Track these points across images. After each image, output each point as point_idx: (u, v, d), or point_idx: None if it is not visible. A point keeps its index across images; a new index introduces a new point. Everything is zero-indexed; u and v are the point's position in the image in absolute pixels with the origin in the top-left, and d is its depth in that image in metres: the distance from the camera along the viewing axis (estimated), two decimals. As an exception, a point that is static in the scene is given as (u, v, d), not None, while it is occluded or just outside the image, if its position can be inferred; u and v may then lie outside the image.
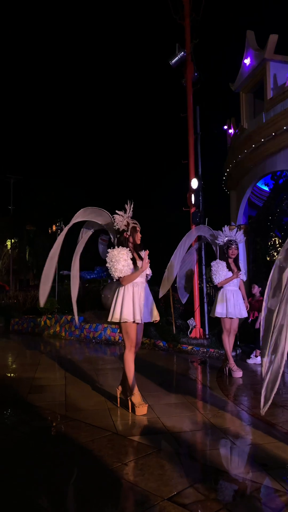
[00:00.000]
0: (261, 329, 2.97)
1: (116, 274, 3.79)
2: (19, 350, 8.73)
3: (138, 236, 3.98)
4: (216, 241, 5.65)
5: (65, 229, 4.66)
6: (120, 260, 3.76)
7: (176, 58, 8.47)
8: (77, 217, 4.34)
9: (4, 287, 20.84)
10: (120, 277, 3.80)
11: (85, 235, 4.61)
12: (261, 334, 2.94)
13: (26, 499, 2.31)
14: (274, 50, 9.59)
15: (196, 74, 8.56)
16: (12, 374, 6.10)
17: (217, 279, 5.38)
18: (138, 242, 3.99)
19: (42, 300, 4.64)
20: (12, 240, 26.35)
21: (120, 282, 3.87)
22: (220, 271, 5.37)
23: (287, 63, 9.32)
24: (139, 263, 3.89)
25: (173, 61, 8.50)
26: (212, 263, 5.49)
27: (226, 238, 5.53)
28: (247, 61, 10.51)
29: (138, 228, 3.98)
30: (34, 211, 24.92)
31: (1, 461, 2.84)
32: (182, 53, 8.43)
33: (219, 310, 5.36)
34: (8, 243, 26.79)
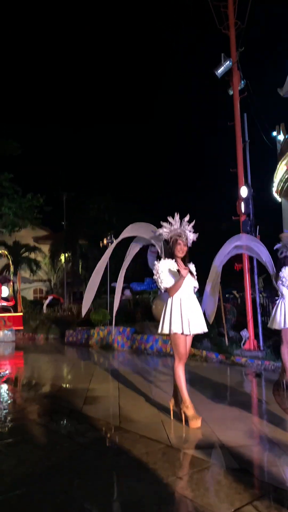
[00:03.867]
0: None
1: (162, 286, 3.84)
2: (73, 361, 8.95)
3: (178, 249, 3.94)
4: (280, 249, 5.46)
5: (113, 245, 4.83)
6: (164, 271, 3.79)
7: (222, 67, 8.45)
8: (125, 233, 4.48)
9: (59, 300, 21.53)
10: (166, 288, 3.82)
11: (132, 250, 4.74)
12: None
13: (82, 511, 2.35)
14: None
15: (242, 82, 8.49)
16: (67, 385, 6.25)
17: None
18: (179, 254, 3.94)
19: (84, 310, 4.85)
20: (66, 254, 27.21)
21: (168, 294, 3.89)
22: None
23: None
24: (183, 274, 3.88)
25: (219, 71, 8.48)
26: (285, 271, 5.24)
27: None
28: (295, 64, 10.26)
29: (179, 241, 3.95)
30: (86, 226, 25.63)
31: (58, 472, 2.90)
32: (228, 62, 8.39)
33: (282, 321, 5.17)
34: (62, 257, 27.69)
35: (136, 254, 4.85)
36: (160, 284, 3.85)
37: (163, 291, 3.93)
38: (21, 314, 13.93)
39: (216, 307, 6.83)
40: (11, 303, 13.95)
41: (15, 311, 13.78)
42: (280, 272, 5.30)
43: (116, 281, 5.39)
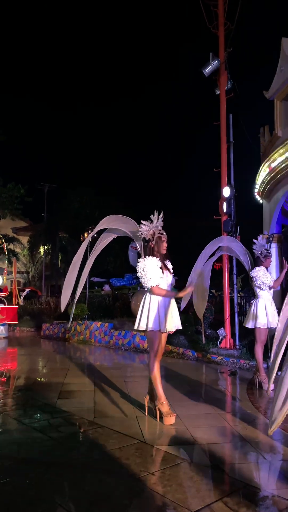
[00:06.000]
0: (274, 342, 2.72)
1: (148, 284, 3.80)
2: (49, 355, 8.87)
3: (164, 246, 3.97)
4: (254, 250, 5.55)
5: (88, 237, 4.79)
6: (151, 270, 3.78)
7: (210, 67, 8.44)
8: (102, 225, 4.43)
9: (36, 292, 21.28)
10: (152, 286, 3.80)
11: (104, 241, 4.69)
12: (274, 348, 2.69)
13: (54, 505, 2.33)
14: (310, 57, 9.42)
15: (229, 82, 8.52)
16: (42, 379, 6.19)
17: (268, 282, 5.26)
18: (164, 252, 3.98)
19: (63, 306, 4.83)
20: (45, 247, 26.89)
21: (149, 291, 3.88)
22: (268, 274, 5.30)
23: None
24: (165, 273, 3.89)
25: (207, 69, 8.47)
26: (256, 271, 5.34)
27: (263, 248, 5.45)
28: (282, 68, 10.37)
29: (163, 238, 3.97)
30: (67, 218, 25.35)
31: (30, 466, 2.88)
32: (216, 61, 8.39)
33: (260, 321, 5.24)
34: (41, 249, 27.35)
35: (117, 251, 4.88)
36: (146, 282, 3.80)
37: (146, 289, 3.90)
38: (17, 306, 12.70)
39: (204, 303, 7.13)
40: (4, 294, 12.63)
41: (9, 303, 12.52)
42: (251, 272, 5.39)
43: (95, 276, 5.39)
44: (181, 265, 4.31)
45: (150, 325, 3.80)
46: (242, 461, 3.02)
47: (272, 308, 5.31)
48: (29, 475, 2.68)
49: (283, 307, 2.64)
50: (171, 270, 4.02)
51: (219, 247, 6.62)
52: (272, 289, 5.35)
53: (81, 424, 3.76)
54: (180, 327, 4.00)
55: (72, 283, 4.75)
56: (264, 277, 5.26)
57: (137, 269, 3.86)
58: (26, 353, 8.97)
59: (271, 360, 2.68)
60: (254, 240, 5.54)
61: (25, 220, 30.21)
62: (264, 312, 5.25)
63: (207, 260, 6.63)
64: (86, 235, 14.88)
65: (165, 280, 3.90)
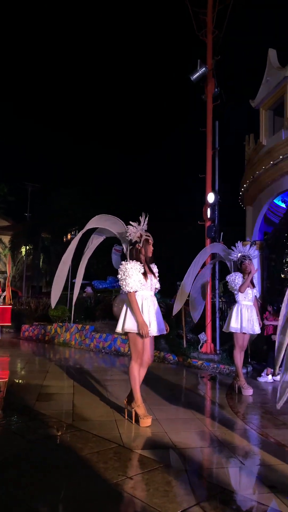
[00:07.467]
0: (276, 346, 2.94)
1: (126, 289, 3.79)
2: (28, 357, 8.75)
3: (150, 249, 3.97)
4: (230, 256, 5.63)
5: (79, 234, 4.78)
6: (132, 275, 3.76)
7: (197, 73, 8.54)
8: (92, 223, 4.42)
9: (16, 293, 21.00)
10: (129, 291, 3.79)
11: (95, 241, 4.70)
12: (275, 352, 2.91)
13: (30, 509, 2.29)
14: (295, 68, 9.60)
15: (216, 89, 8.62)
16: (20, 381, 6.10)
17: (237, 286, 5.33)
18: (150, 254, 3.98)
19: (54, 302, 4.91)
20: (27, 247, 26.61)
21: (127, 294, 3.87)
22: (237, 279, 5.36)
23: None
24: (149, 276, 3.89)
25: (194, 76, 8.57)
26: (229, 276, 5.46)
27: (239, 254, 5.51)
28: (268, 78, 10.54)
29: (150, 241, 3.97)
30: (50, 219, 25.15)
31: (7, 469, 2.82)
32: (204, 69, 8.49)
33: (234, 325, 5.29)
34: (23, 249, 27.06)
35: (101, 253, 4.93)
36: (125, 286, 3.79)
37: (125, 292, 3.89)
38: (10, 306, 12.00)
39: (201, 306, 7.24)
40: None
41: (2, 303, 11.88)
42: (226, 277, 5.51)
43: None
44: (163, 268, 4.31)
45: (134, 327, 3.79)
46: (220, 466, 3.03)
47: (249, 313, 5.33)
48: (4, 481, 2.63)
49: (281, 315, 2.96)
50: (156, 274, 4.02)
51: (216, 255, 6.73)
52: (248, 294, 5.38)
53: (59, 427, 3.71)
54: (165, 332, 3.99)
55: (63, 280, 4.91)
56: (233, 281, 5.37)
57: (119, 271, 3.85)
58: (4, 354, 8.83)
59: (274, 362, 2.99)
60: (232, 247, 5.62)
61: (7, 219, 29.88)
62: (238, 317, 5.30)
63: (201, 268, 6.73)
64: (69, 236, 14.78)
65: (149, 284, 3.89)
